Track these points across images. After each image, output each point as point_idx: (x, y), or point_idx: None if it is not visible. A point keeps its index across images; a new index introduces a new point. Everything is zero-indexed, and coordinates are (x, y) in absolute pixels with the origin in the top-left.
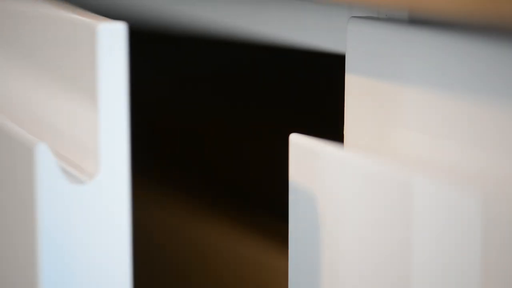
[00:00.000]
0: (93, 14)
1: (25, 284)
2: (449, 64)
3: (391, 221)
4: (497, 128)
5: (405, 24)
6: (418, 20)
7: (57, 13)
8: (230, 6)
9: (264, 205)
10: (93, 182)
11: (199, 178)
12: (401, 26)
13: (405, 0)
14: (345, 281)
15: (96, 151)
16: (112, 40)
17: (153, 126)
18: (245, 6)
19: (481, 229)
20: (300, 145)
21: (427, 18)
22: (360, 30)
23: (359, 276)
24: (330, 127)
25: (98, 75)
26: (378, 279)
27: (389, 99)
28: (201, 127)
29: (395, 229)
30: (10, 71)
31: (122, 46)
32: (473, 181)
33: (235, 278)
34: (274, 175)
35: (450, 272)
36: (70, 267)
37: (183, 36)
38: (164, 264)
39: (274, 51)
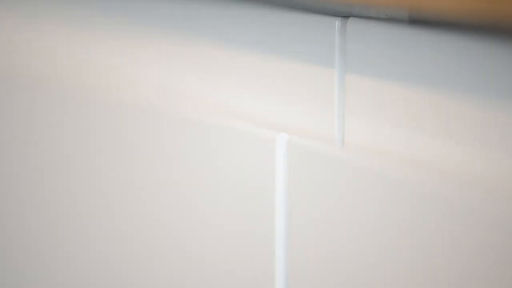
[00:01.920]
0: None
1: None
2: (449, 64)
3: (391, 220)
4: (497, 128)
5: (405, 24)
6: (418, 20)
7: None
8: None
9: None
10: None
11: None
12: (401, 26)
13: (405, 0)
14: (344, 280)
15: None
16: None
17: None
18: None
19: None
20: (299, 146)
21: (427, 18)
22: (360, 30)
23: (358, 275)
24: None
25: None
26: (373, 278)
27: (389, 99)
28: None
29: (394, 228)
30: (237, 72)
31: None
32: (473, 181)
33: None
34: None
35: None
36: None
37: None
38: None
39: None
